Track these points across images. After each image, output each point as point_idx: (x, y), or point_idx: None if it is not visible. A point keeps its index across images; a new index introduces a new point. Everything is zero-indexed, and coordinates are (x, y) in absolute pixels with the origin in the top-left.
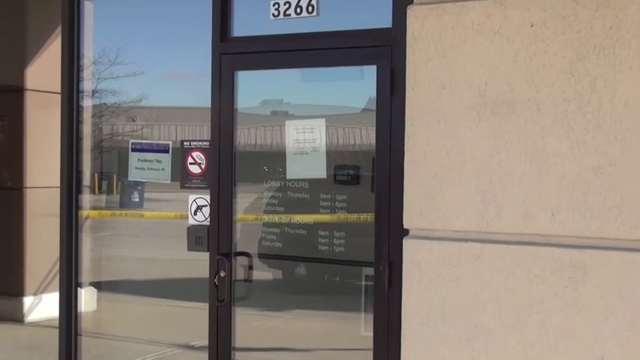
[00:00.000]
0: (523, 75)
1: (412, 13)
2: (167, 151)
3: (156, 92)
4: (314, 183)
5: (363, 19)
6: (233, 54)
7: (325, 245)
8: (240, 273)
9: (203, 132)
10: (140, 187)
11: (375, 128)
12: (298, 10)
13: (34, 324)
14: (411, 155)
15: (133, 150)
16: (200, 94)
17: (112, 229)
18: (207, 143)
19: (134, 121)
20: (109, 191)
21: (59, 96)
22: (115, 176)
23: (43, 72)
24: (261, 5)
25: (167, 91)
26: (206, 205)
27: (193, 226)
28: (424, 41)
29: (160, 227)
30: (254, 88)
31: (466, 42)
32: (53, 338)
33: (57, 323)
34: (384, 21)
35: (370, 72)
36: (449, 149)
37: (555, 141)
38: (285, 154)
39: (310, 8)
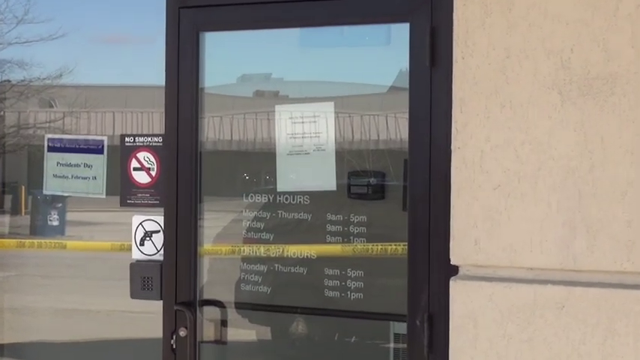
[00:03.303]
0: (627, 37)
1: None
2: (101, 151)
3: (84, 64)
4: (318, 198)
5: None
6: (197, 7)
7: (335, 290)
8: (208, 331)
9: (153, 122)
10: (60, 205)
11: (407, 116)
12: None
13: None
14: (462, 156)
15: (51, 149)
16: (149, 66)
17: (17, 266)
18: (160, 139)
19: (52, 106)
20: (15, 210)
21: None
22: (22, 188)
23: None
24: None
25: (100, 63)
26: (158, 231)
27: (140, 262)
28: None
29: (90, 264)
30: (229, 57)
31: None
32: None
33: None
34: None
35: (401, 33)
36: (517, 147)
37: None
38: (274, 154)
39: None
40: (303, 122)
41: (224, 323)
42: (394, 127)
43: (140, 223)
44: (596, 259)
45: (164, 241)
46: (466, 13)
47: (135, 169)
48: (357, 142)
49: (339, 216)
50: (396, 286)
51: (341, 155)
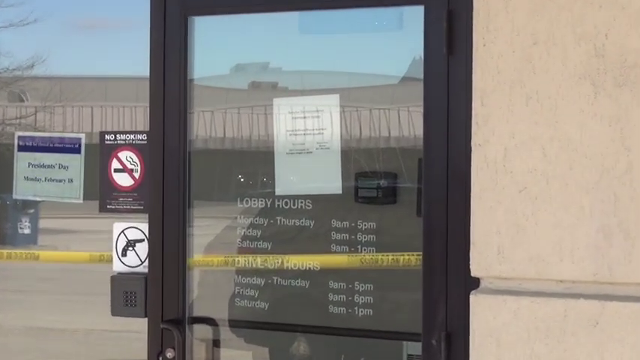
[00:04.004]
0: None
1: None
2: (78, 151)
3: (58, 53)
4: (322, 202)
5: None
6: None
7: (341, 306)
8: (199, 352)
9: (136, 118)
10: (32, 211)
11: (422, 110)
12: None
13: None
14: (483, 155)
15: (22, 149)
16: (131, 55)
17: None
18: (144, 137)
19: (22, 100)
20: None
21: None
22: None
23: None
24: None
25: (77, 52)
26: (142, 240)
27: (121, 274)
28: None
29: (65, 277)
30: (222, 45)
31: None
32: None
33: None
34: None
35: (414, 17)
36: (545, 145)
37: None
38: (273, 154)
39: None
40: (304, 117)
41: (216, 343)
42: (407, 123)
43: (122, 231)
44: (634, 269)
45: (149, 252)
46: None
47: (116, 170)
48: (366, 140)
49: (345, 222)
50: (409, 301)
51: (347, 154)
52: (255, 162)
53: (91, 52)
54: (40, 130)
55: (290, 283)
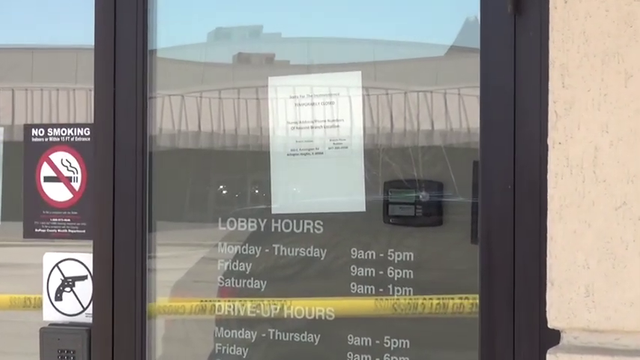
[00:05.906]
0: None
1: None
2: None
3: None
4: (337, 224)
5: None
6: None
7: None
8: None
9: (76, 105)
10: None
11: (478, 94)
12: None
13: None
14: (564, 156)
15: None
16: (69, 17)
17: None
18: (87, 132)
19: None
20: None
21: None
22: None
23: None
24: None
25: None
26: (84, 278)
27: (55, 326)
28: None
29: None
30: (196, 3)
31: None
32: None
33: None
34: None
35: None
36: None
37: None
38: (268, 155)
39: None
40: (312, 104)
41: None
42: (456, 111)
43: (56, 265)
44: None
45: (94, 294)
46: None
47: (47, 179)
48: (399, 135)
49: (370, 252)
50: None
51: (373, 156)
52: (243, 167)
53: (14, 13)
54: None
55: (293, 337)
